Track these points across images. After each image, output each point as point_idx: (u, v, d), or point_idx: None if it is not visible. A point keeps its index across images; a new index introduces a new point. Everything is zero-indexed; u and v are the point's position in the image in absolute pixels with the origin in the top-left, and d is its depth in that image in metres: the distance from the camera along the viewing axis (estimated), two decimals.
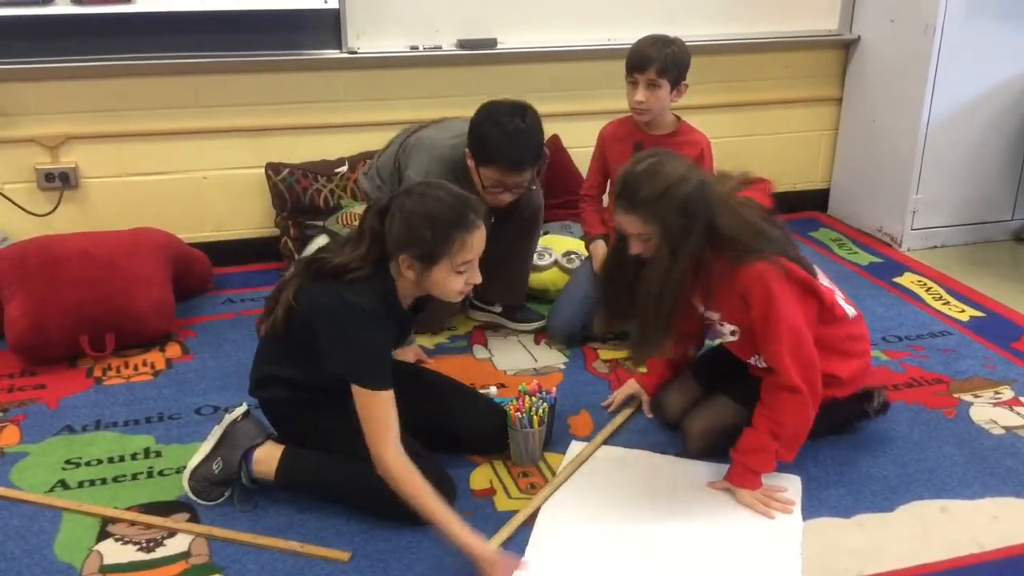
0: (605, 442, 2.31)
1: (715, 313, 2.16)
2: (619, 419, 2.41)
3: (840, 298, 2.20)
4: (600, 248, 2.84)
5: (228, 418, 2.11)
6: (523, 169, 2.51)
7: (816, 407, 2.07)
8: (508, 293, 2.93)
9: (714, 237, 1.99)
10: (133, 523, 2.00)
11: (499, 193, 2.53)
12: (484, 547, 1.81)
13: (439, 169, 2.56)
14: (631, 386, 2.47)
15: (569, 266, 3.07)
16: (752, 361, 2.20)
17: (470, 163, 2.54)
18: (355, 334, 1.89)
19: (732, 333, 2.16)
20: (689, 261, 1.98)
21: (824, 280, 2.19)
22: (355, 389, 1.88)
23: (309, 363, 1.98)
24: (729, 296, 2.07)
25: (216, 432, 2.09)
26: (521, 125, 2.47)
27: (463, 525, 1.81)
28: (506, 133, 2.45)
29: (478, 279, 1.98)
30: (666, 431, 2.36)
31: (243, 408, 2.13)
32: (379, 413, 1.88)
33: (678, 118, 2.80)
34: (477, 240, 1.92)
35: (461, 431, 2.23)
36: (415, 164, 2.62)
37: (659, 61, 2.60)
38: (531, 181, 2.61)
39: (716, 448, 2.18)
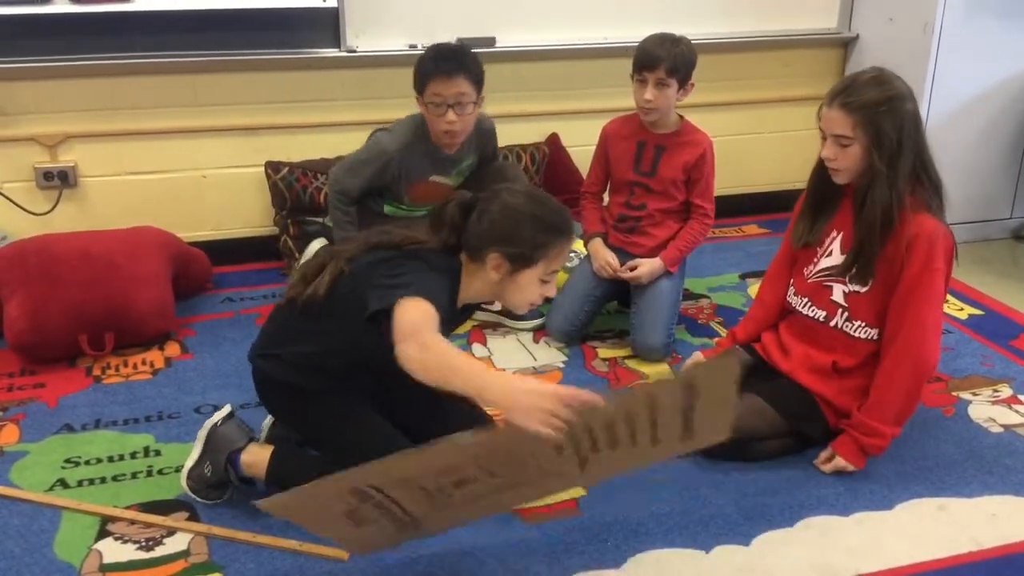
0: None
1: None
2: None
3: None
4: (599, 246, 2.85)
5: (208, 423, 2.06)
6: (452, 75, 2.58)
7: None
8: None
9: (919, 172, 1.99)
10: (132, 522, 2.00)
11: (443, 115, 2.61)
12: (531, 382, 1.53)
13: (407, 126, 2.73)
14: (696, 357, 2.44)
15: (568, 264, 3.06)
16: (840, 323, 2.16)
17: (422, 108, 2.66)
18: (414, 271, 1.76)
19: (862, 284, 2.10)
20: (904, 182, 1.98)
21: None
22: (397, 307, 1.62)
23: (326, 340, 1.87)
24: (895, 241, 2.03)
25: (201, 436, 2.06)
26: (447, 45, 2.65)
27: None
28: (432, 52, 2.65)
29: (553, 293, 1.91)
30: None
31: (224, 411, 2.08)
32: (420, 314, 1.62)
33: (681, 117, 2.80)
34: (568, 252, 1.89)
35: (458, 430, 2.21)
36: (386, 135, 2.74)
37: (668, 60, 2.60)
38: (477, 104, 2.67)
39: (723, 449, 2.08)
